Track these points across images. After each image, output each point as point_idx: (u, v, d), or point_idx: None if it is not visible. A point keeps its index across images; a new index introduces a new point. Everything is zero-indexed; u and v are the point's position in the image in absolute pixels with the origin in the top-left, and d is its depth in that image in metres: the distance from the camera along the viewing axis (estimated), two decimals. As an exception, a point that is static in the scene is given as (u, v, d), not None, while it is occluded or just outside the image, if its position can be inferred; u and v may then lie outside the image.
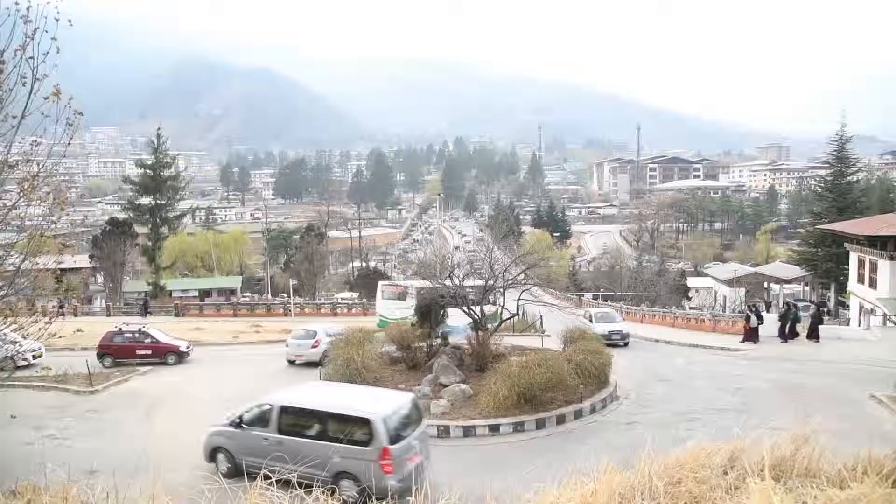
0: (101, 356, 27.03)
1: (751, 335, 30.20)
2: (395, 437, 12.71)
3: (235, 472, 13.40)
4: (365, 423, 12.58)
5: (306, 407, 13.60)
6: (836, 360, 25.43)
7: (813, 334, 30.03)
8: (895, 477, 5.37)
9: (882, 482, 5.13)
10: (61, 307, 9.25)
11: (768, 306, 56.75)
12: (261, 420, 13.77)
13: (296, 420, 13.45)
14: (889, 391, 18.57)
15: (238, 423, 14.13)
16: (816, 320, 30.58)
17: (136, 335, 27.75)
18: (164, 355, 27.51)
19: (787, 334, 30.14)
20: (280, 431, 13.33)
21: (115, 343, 27.40)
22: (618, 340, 30.27)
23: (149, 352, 27.42)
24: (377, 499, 9.35)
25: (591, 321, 31.94)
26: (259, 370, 25.84)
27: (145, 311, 48.56)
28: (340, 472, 12.50)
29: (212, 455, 14.36)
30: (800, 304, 49.46)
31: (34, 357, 26.24)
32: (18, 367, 25.01)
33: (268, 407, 13.81)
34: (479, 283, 24.09)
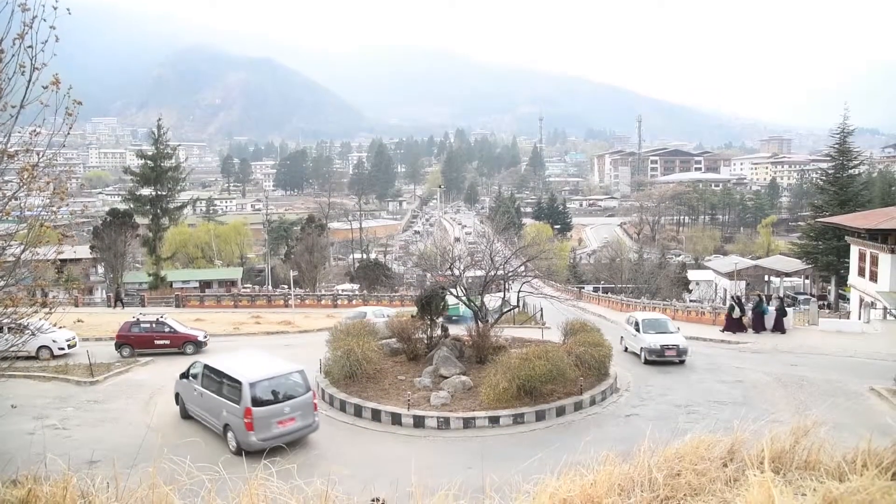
0: (119, 346, 27.21)
1: (734, 326, 31.22)
2: (265, 401, 14.88)
3: (186, 415, 17.33)
4: (238, 384, 14.92)
5: (215, 367, 16.11)
6: (836, 353, 25.46)
7: (778, 327, 30.84)
8: (895, 469, 5.38)
9: (881, 475, 5.13)
10: (45, 296, 9.25)
11: (769, 299, 56.74)
12: (196, 375, 16.84)
13: (210, 377, 16.17)
14: (889, 384, 18.60)
15: (185, 375, 17.38)
16: (781, 313, 31.30)
17: (154, 325, 27.88)
18: (183, 345, 27.66)
19: (760, 326, 31.11)
20: (202, 385, 16.35)
21: (134, 333, 27.50)
22: (673, 357, 23.55)
23: (167, 342, 27.59)
24: (244, 452, 13.82)
25: (637, 330, 25.22)
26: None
27: (117, 301, 48.60)
28: (226, 424, 15.11)
29: (176, 399, 17.96)
30: (798, 297, 49.57)
31: (69, 346, 26.51)
32: (55, 356, 25.28)
33: (200, 366, 16.83)
34: (480, 273, 24.16)
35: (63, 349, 26.09)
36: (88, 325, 34.08)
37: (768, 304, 32.41)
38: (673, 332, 25.05)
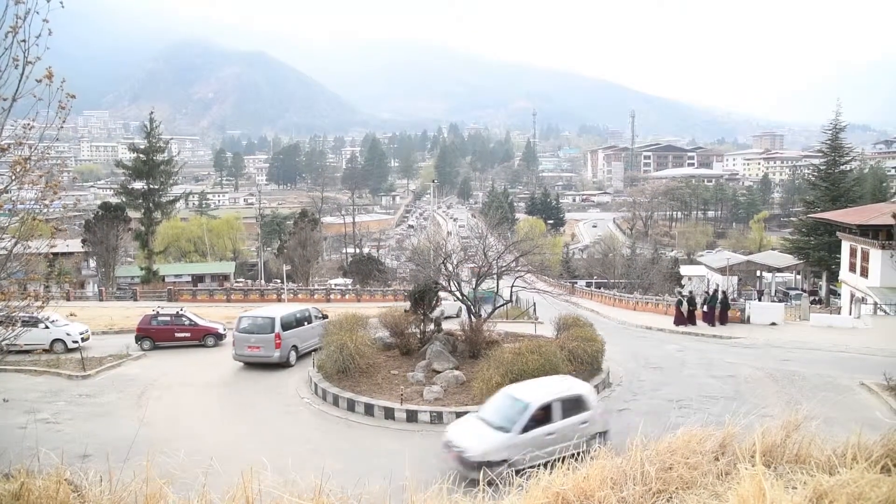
0: (139, 339, 27.26)
1: (683, 319, 32.74)
2: (243, 331, 23.27)
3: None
4: None
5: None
6: (827, 348, 25.58)
7: (722, 319, 32.29)
8: (883, 463, 5.43)
9: (871, 468, 5.19)
10: (25, 289, 9.21)
11: (760, 294, 57.16)
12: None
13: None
14: (879, 379, 18.70)
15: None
16: (724, 305, 32.73)
17: (173, 318, 27.98)
18: (203, 337, 27.76)
19: (711, 319, 32.37)
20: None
21: (154, 326, 27.55)
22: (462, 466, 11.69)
23: (187, 334, 27.70)
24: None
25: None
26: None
27: None
28: None
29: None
30: (790, 292, 49.81)
31: (83, 339, 26.61)
32: (69, 350, 25.35)
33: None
34: (472, 265, 24.31)
35: (77, 342, 26.16)
36: (81, 319, 33.82)
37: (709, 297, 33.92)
38: (501, 427, 12.82)
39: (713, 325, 31.98)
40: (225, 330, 28.75)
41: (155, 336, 27.30)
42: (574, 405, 13.54)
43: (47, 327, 25.29)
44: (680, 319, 32.87)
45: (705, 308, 32.90)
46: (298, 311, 25.31)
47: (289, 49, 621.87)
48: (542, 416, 12.96)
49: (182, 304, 45.16)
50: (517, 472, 6.64)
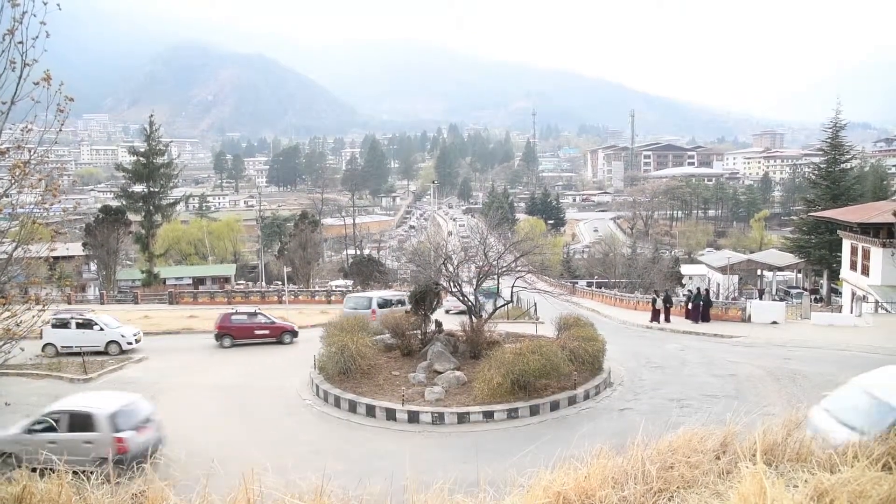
0: (219, 336, 28.12)
1: (657, 316, 34.04)
2: (350, 308, 27.38)
3: None
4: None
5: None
6: (828, 346, 25.55)
7: (704, 317, 33.13)
8: (885, 461, 5.42)
9: (872, 466, 5.18)
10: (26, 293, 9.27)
11: (761, 293, 57.16)
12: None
13: None
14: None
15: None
16: (707, 304, 33.71)
17: (250, 316, 28.92)
18: (281, 335, 28.62)
19: (696, 317, 33.18)
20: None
21: (235, 324, 28.35)
22: None
23: (266, 332, 28.54)
24: None
25: None
26: (248, 357, 25.91)
27: None
28: None
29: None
30: (791, 291, 49.72)
31: (136, 341, 27.10)
32: (124, 351, 26.07)
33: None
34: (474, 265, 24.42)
35: (131, 343, 26.60)
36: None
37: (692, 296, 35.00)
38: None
39: (696, 322, 32.72)
40: (297, 329, 29.75)
41: (235, 334, 28.14)
42: (82, 422, 13.85)
43: (102, 329, 25.81)
44: (655, 316, 34.04)
45: (690, 306, 33.77)
46: (393, 294, 31.96)
47: (288, 51, 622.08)
48: (54, 424, 13.87)
49: (180, 306, 45.28)
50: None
